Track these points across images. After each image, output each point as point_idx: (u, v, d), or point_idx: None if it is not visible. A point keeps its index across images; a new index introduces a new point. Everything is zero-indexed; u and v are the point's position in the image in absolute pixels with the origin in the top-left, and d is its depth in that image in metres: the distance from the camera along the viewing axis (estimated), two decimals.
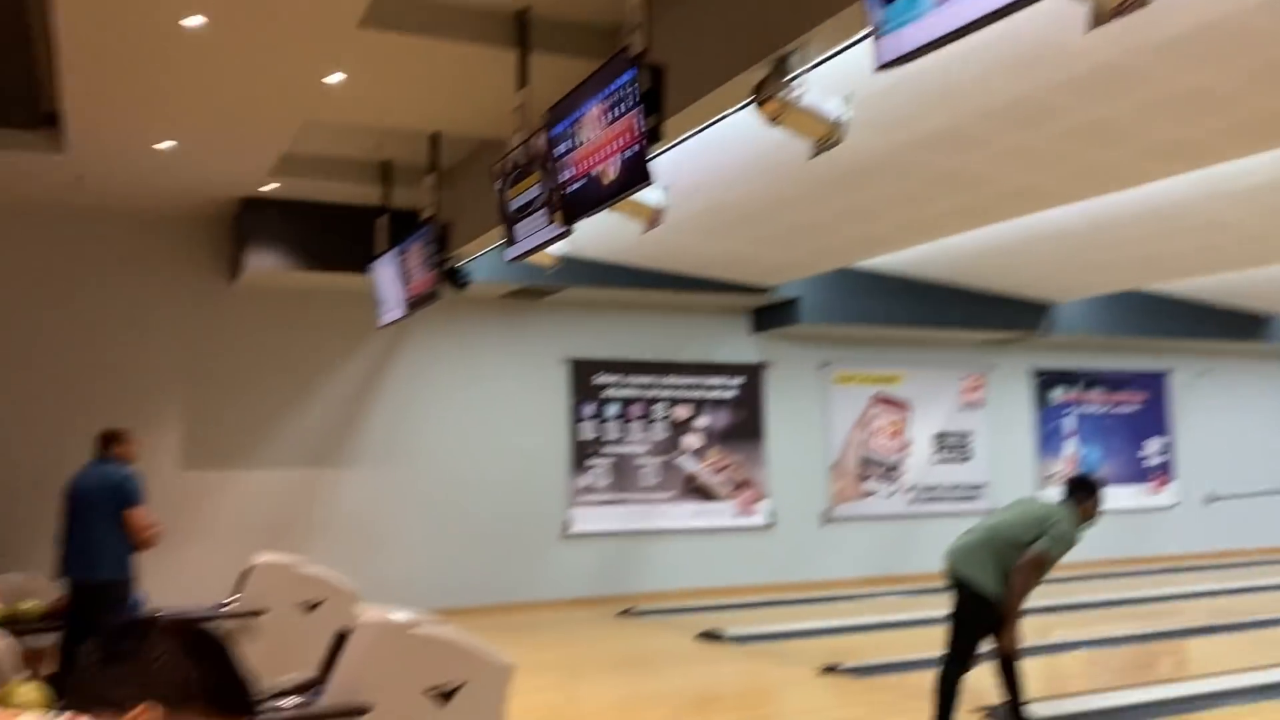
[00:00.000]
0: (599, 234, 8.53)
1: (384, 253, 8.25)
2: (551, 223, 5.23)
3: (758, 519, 11.67)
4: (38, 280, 9.12)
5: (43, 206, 9.04)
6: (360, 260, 8.68)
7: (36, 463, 8.68)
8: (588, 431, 11.00)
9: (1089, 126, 6.30)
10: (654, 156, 4.69)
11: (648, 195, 5.88)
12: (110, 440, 6.31)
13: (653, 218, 6.06)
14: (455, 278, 7.73)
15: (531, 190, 5.46)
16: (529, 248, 5.61)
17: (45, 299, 9.12)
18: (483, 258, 8.50)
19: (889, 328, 11.69)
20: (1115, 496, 13.36)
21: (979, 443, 12.94)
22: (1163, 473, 14.06)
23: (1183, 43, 5.21)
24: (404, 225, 8.04)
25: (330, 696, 4.28)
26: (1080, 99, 5.91)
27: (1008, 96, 5.97)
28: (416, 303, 7.76)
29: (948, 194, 7.81)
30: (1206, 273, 11.10)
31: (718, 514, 11.48)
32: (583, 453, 10.94)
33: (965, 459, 12.87)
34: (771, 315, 11.57)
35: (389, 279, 8.20)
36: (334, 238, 9.07)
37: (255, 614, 6.76)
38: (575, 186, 5.11)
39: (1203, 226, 9.14)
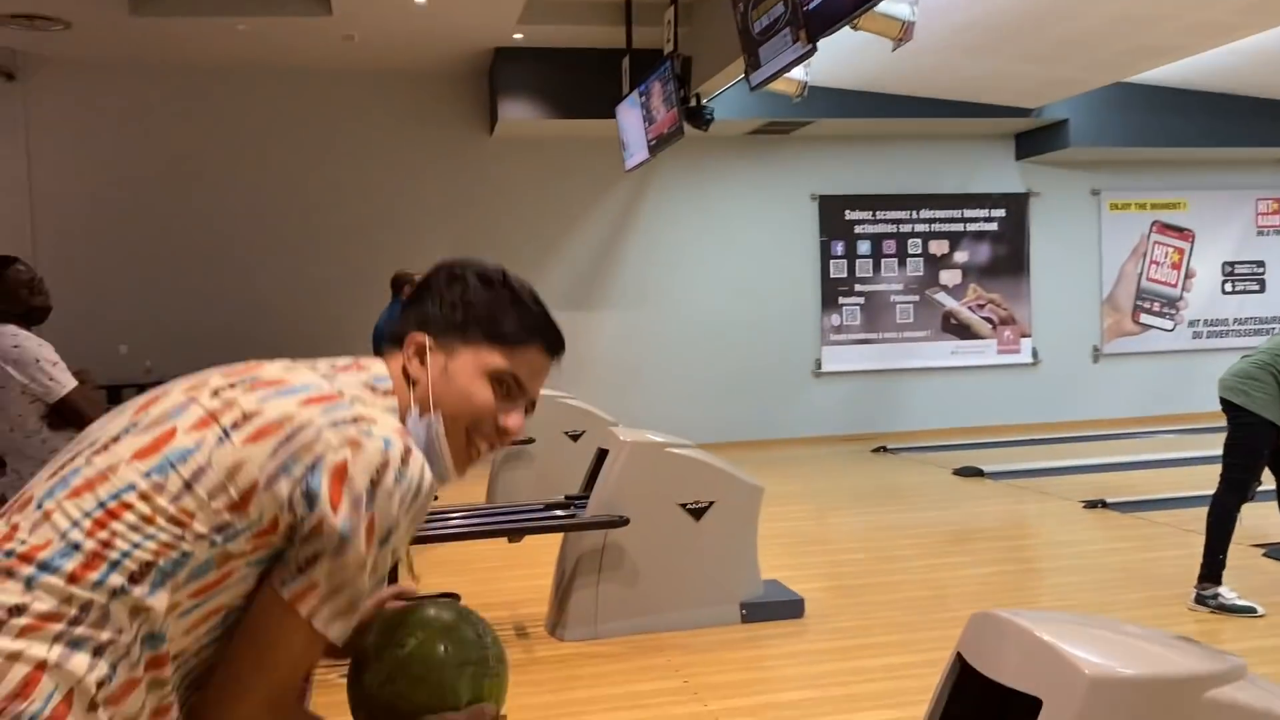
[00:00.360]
0: (846, 61, 8.20)
1: (627, 95, 8.29)
2: (795, 42, 5.07)
3: (1021, 357, 11.22)
4: (326, 138, 9.87)
5: (321, 70, 9.69)
6: (607, 105, 8.78)
7: (333, 306, 9.59)
8: (838, 270, 10.84)
9: None
10: None
11: (896, 8, 5.57)
12: (399, 283, 6.85)
13: (902, 33, 5.74)
14: (698, 116, 7.68)
15: (774, 9, 5.29)
16: (773, 71, 5.47)
17: (334, 156, 9.87)
18: (725, 95, 8.39)
19: (1170, 148, 10.67)
20: None
21: (1276, 272, 11.75)
22: None
23: None
24: (647, 65, 8.03)
25: (594, 509, 4.58)
26: None
27: None
28: (659, 143, 7.79)
29: None
30: None
31: (977, 352, 11.13)
32: (833, 291, 10.82)
33: (1259, 290, 11.75)
34: (1037, 140, 10.83)
35: (632, 121, 8.26)
36: (581, 84, 9.20)
37: (527, 441, 7.29)
38: (817, 2, 4.91)
39: None
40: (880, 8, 5.02)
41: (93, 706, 1.02)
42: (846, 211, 10.80)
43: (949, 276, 11.06)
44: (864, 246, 10.88)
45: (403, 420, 1.22)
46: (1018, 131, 10.94)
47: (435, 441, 1.22)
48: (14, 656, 1.00)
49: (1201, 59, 8.94)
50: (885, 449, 10.01)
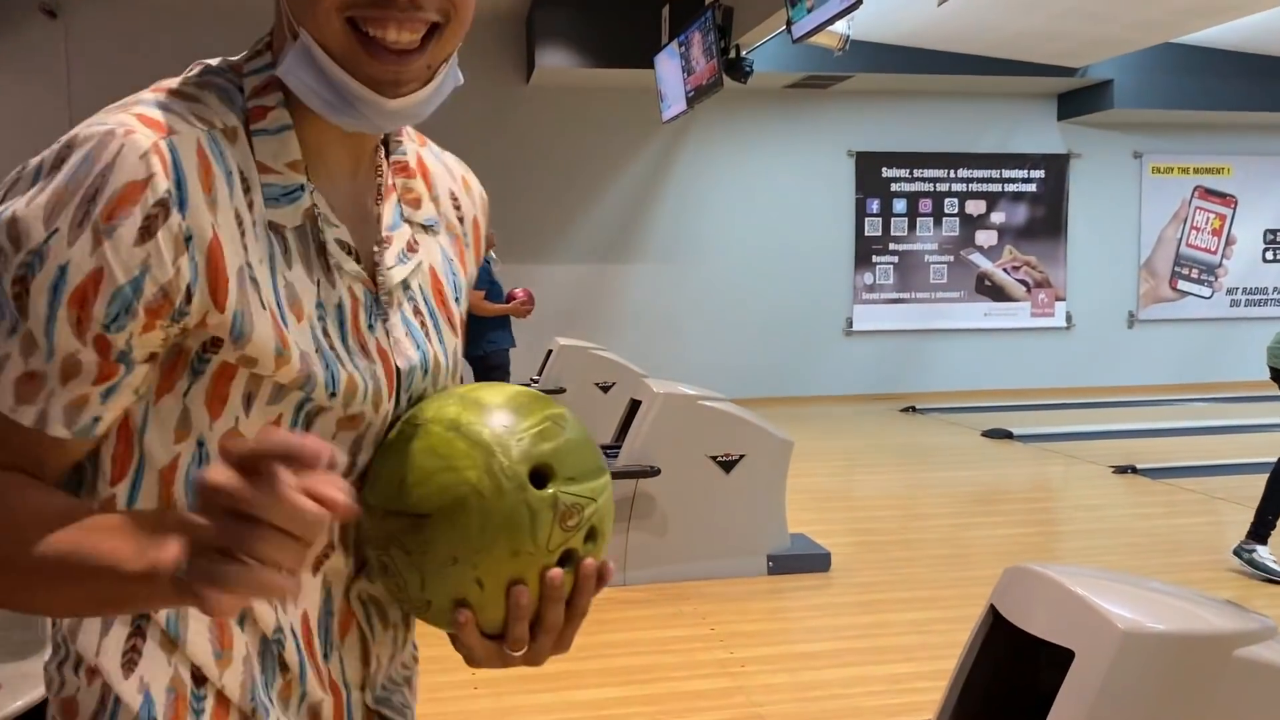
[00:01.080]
0: (888, 15, 8.09)
1: (666, 44, 8.22)
2: None
3: (1055, 320, 11.14)
4: None
5: None
6: (646, 54, 8.71)
7: None
8: (873, 227, 10.77)
9: None
10: None
11: None
12: None
13: None
14: (738, 68, 7.62)
15: None
16: (818, 23, 5.42)
17: None
18: (765, 47, 8.30)
19: (1216, 112, 10.47)
20: None
21: None
22: None
23: None
24: (687, 15, 7.95)
25: (625, 459, 4.63)
26: None
27: None
28: (698, 94, 7.74)
29: None
30: None
31: (1011, 314, 11.06)
32: (868, 249, 10.76)
33: None
34: (1080, 100, 10.66)
35: (671, 72, 8.20)
36: (619, 32, 9.13)
37: (558, 391, 7.34)
38: None
39: None
40: None
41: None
42: (883, 169, 10.71)
43: (985, 237, 10.97)
44: (900, 205, 10.79)
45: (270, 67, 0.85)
46: (1060, 91, 10.77)
47: (320, 64, 0.80)
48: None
49: (1252, 20, 8.75)
50: (914, 409, 10.00)
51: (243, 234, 0.80)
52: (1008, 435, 8.37)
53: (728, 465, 4.70)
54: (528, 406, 0.86)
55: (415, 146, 0.99)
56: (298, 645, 0.86)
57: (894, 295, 10.83)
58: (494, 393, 0.87)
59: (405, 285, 0.91)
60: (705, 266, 10.46)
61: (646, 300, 10.38)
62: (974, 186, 10.90)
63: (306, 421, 0.84)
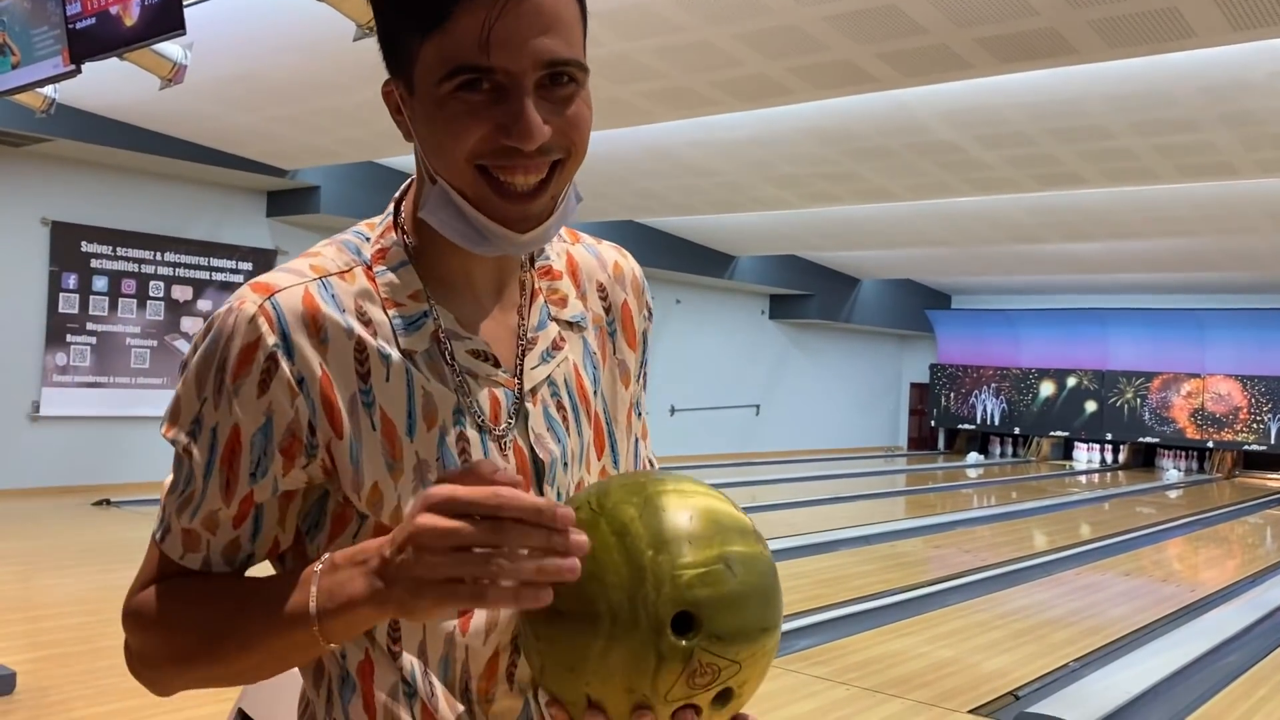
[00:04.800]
0: (106, 85, 7.69)
1: None
2: (57, 57, 4.66)
3: None
4: None
5: None
6: None
7: None
8: (70, 305, 9.91)
9: (609, 62, 6.83)
10: (186, 4, 4.37)
11: (169, 48, 5.45)
12: None
13: (172, 73, 5.63)
14: None
15: (41, 23, 4.80)
16: (23, 81, 4.94)
17: None
18: None
19: None
20: None
21: None
22: None
23: (698, 2, 5.85)
24: None
25: None
26: (607, 33, 6.40)
27: None
28: None
29: None
30: (689, 213, 12.52)
31: None
32: (62, 328, 9.84)
33: None
34: (289, 200, 11.16)
35: None
36: None
37: None
38: (86, 23, 4.61)
39: (689, 170, 10.31)
40: (154, 45, 4.88)
41: None
42: (83, 243, 9.95)
43: (191, 324, 10.78)
44: (101, 283, 10.10)
45: (416, 206, 0.96)
46: (271, 189, 11.16)
47: (458, 206, 0.89)
48: None
49: None
50: (109, 502, 9.31)
51: (361, 363, 0.89)
52: None
53: None
54: (709, 535, 0.81)
55: (565, 245, 1.05)
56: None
57: (91, 379, 10.04)
58: (684, 501, 0.82)
59: (551, 382, 0.97)
60: None
61: None
62: (181, 272, 10.69)
63: None
